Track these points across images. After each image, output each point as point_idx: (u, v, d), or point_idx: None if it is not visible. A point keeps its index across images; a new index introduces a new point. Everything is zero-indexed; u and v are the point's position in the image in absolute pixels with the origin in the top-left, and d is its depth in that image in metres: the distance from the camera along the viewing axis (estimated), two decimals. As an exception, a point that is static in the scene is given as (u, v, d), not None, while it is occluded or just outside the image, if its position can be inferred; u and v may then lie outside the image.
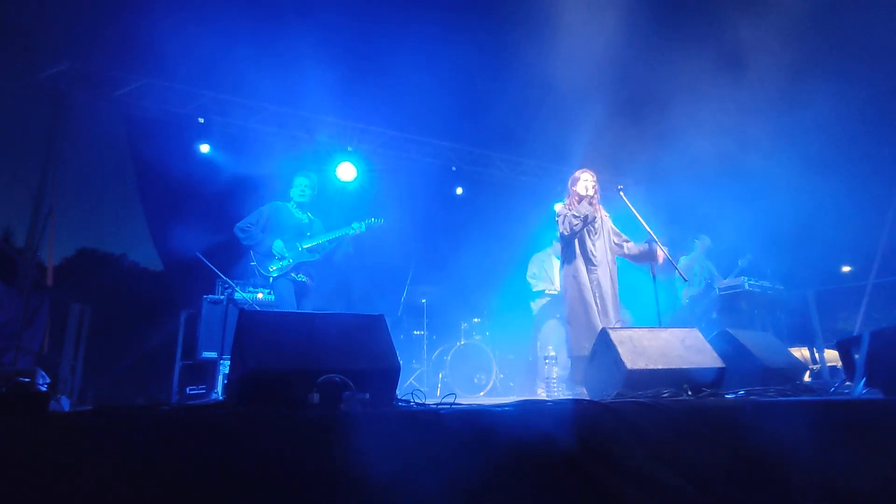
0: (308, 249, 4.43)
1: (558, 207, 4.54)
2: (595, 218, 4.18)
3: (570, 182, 4.39)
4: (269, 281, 4.41)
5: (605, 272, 4.11)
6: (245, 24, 5.10)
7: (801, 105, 5.26)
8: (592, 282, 4.06)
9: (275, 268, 4.29)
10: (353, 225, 4.55)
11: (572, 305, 4.07)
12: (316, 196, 4.69)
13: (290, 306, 4.23)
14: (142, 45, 5.45)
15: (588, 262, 4.12)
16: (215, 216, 5.61)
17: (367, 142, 7.09)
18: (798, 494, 1.89)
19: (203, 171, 6.19)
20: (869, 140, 6.17)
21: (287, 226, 4.46)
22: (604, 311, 3.99)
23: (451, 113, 6.60)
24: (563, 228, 4.14)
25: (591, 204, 4.20)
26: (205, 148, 6.33)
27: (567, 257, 4.21)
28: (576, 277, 4.09)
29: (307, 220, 4.60)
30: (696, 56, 5.17)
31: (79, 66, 5.68)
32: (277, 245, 4.32)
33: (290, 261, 4.32)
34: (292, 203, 4.60)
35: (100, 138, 6.16)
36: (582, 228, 4.10)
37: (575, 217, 4.08)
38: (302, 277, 4.39)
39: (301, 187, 4.59)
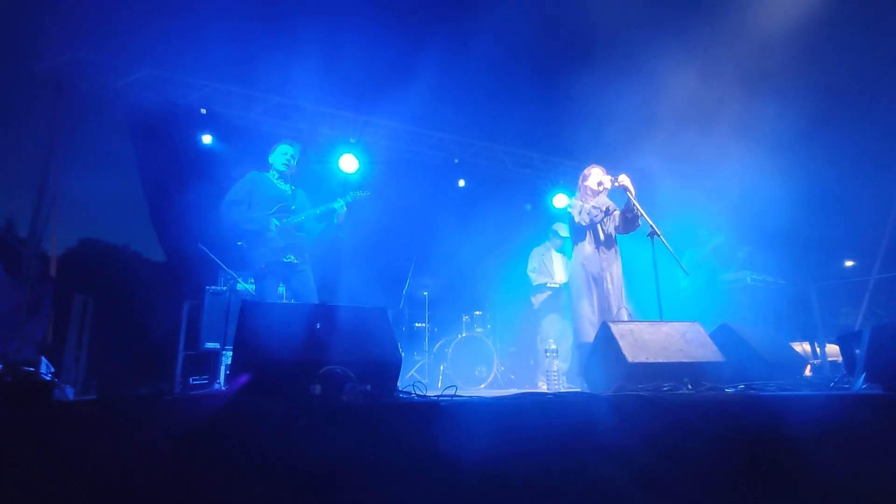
0: (295, 227, 4.11)
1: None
2: (614, 209, 4.28)
3: (580, 178, 4.51)
4: (258, 268, 4.01)
5: (614, 262, 4.22)
6: (248, 15, 5.07)
7: (806, 99, 5.24)
8: (604, 270, 4.16)
9: (265, 250, 3.96)
10: (337, 200, 4.22)
11: (580, 293, 4.13)
12: (297, 168, 4.33)
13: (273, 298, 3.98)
14: (144, 35, 5.44)
15: (599, 251, 4.22)
16: (217, 207, 5.60)
17: (370, 134, 7.07)
18: (797, 489, 1.90)
19: (205, 161, 6.19)
20: (873, 135, 6.14)
21: (270, 198, 4.09)
22: (610, 299, 4.08)
23: (454, 105, 6.58)
24: (580, 219, 4.22)
25: (606, 197, 4.30)
26: (207, 139, 6.32)
27: (579, 246, 4.29)
28: (585, 266, 4.18)
29: (290, 192, 4.22)
30: (698, 46, 5.14)
31: (81, 57, 5.67)
32: (274, 225, 4.00)
33: (281, 242, 4.02)
34: (273, 172, 4.21)
35: (102, 129, 6.15)
36: (603, 219, 4.22)
37: (595, 208, 4.18)
38: (291, 258, 4.06)
39: (286, 156, 4.20)
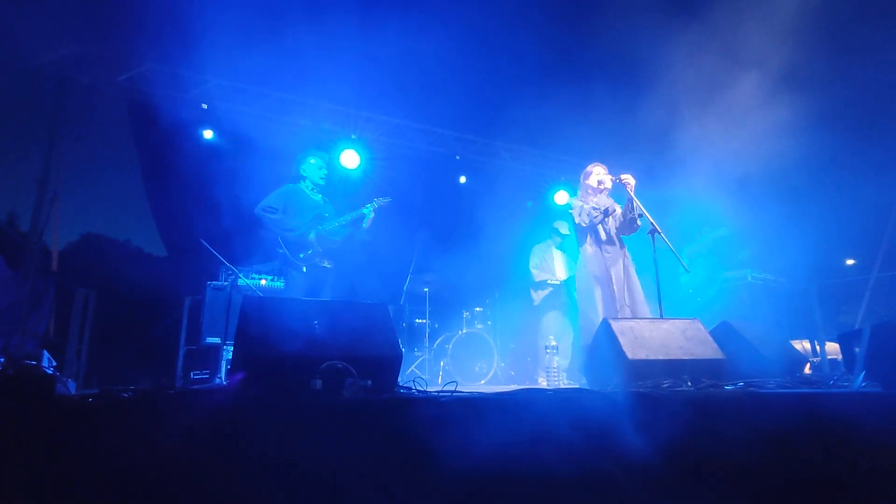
0: (329, 233, 4.33)
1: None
2: (614, 209, 4.22)
3: (582, 176, 4.45)
4: (298, 268, 4.27)
5: (619, 260, 4.17)
6: (249, 10, 5.05)
7: (807, 98, 5.21)
8: (608, 270, 4.11)
9: (304, 255, 4.20)
10: (366, 206, 4.42)
11: (585, 294, 4.10)
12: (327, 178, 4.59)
13: (298, 296, 4.18)
14: (146, 29, 5.42)
15: (602, 251, 4.18)
16: (218, 202, 5.61)
17: (371, 130, 7.06)
18: (796, 486, 1.91)
19: (206, 157, 6.19)
20: (873, 134, 6.12)
21: (305, 208, 4.32)
22: (620, 299, 4.03)
23: (455, 102, 6.56)
24: (580, 220, 4.19)
25: (607, 196, 4.26)
26: (208, 134, 6.32)
27: (582, 247, 4.27)
28: (588, 267, 4.13)
29: (322, 202, 4.47)
30: (702, 46, 5.12)
31: (82, 50, 5.65)
32: (314, 234, 4.25)
33: (320, 248, 4.26)
34: (307, 184, 4.45)
35: (103, 123, 6.15)
36: (602, 220, 4.18)
37: (594, 209, 4.15)
38: (328, 264, 4.32)
39: (322, 171, 4.46)
